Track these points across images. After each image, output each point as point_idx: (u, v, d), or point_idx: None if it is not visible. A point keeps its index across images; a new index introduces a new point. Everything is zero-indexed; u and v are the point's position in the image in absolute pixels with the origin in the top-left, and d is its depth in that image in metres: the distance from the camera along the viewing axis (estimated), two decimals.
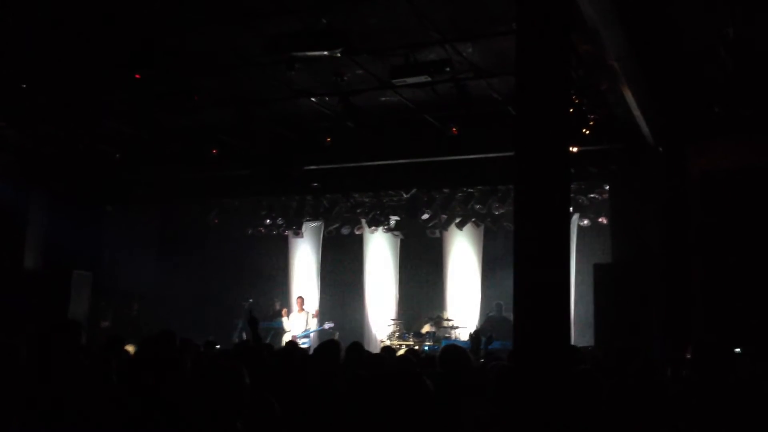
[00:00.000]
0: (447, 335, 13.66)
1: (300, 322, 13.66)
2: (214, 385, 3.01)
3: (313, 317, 13.87)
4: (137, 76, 8.65)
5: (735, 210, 9.93)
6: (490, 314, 13.97)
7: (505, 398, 4.24)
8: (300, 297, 14.21)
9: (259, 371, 4.80)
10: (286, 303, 15.35)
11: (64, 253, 13.31)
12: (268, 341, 12.88)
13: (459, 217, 14.50)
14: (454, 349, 4.72)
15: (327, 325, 13.99)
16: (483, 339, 8.04)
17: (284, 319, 13.93)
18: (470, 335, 8.73)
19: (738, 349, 7.03)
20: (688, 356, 4.09)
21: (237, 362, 3.50)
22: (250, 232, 16.64)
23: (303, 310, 13.80)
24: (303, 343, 12.67)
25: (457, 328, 13.79)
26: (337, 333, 14.33)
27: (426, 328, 14.10)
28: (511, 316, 5.94)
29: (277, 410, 3.63)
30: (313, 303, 15.90)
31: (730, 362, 4.01)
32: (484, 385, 4.42)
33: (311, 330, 13.67)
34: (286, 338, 13.24)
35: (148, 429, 3.48)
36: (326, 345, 5.28)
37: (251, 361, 5.59)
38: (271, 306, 15.72)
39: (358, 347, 6.02)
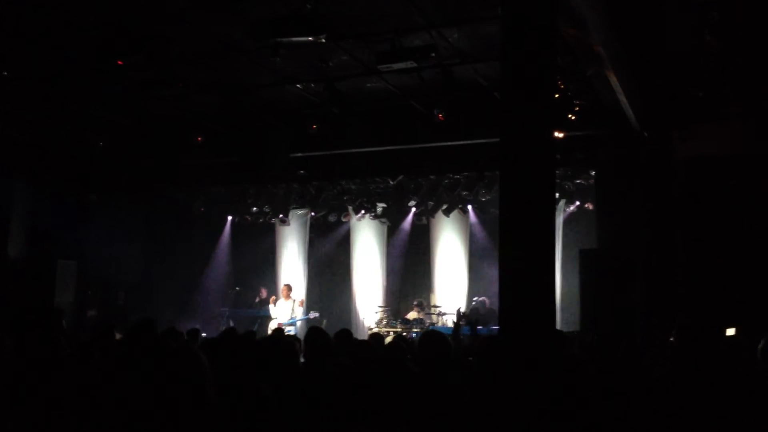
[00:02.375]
0: (434, 322, 13.70)
1: (286, 310, 13.65)
2: (172, 369, 3.02)
3: (299, 306, 13.84)
4: (120, 63, 8.56)
5: (719, 195, 10.01)
6: (475, 302, 14.02)
7: (490, 382, 4.26)
8: (287, 285, 14.18)
9: (247, 358, 4.80)
10: (273, 291, 15.32)
11: (48, 242, 13.21)
12: (255, 329, 12.89)
13: (445, 203, 14.50)
14: (433, 335, 4.73)
15: (312, 314, 13.99)
16: (463, 324, 7.97)
17: (271, 307, 13.91)
18: (455, 320, 8.71)
19: (732, 331, 7.08)
20: (672, 340, 4.12)
21: (192, 345, 3.51)
22: (236, 220, 16.59)
23: (290, 297, 13.78)
24: (288, 331, 12.66)
25: (444, 314, 13.82)
26: (325, 320, 14.34)
27: (413, 315, 14.14)
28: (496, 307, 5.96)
29: (264, 394, 3.63)
30: (300, 290, 15.90)
31: (713, 345, 4.05)
32: (464, 369, 4.44)
33: (297, 318, 13.66)
34: (272, 325, 13.23)
35: (135, 418, 3.47)
36: (314, 332, 5.26)
37: (238, 348, 5.59)
38: (258, 294, 15.69)
39: (346, 334, 6.03)
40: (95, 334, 5.70)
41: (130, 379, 3.61)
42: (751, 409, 3.84)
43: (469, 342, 7.86)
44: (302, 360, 4.85)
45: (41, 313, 3.62)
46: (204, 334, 10.49)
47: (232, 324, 13.67)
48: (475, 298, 14.23)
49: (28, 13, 8.20)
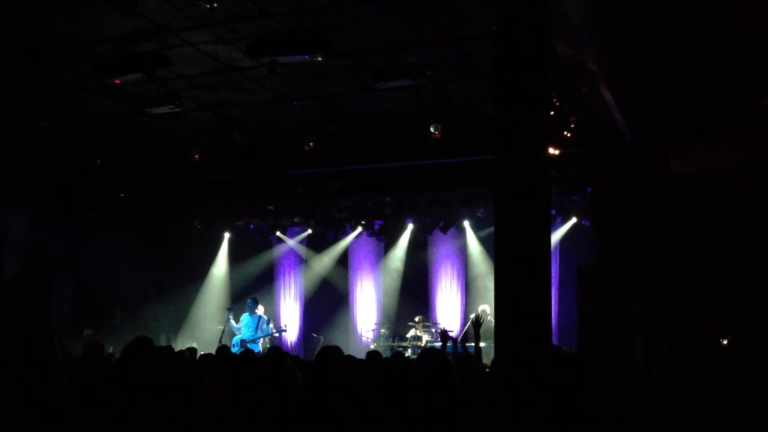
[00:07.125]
0: (432, 339, 13.64)
1: (251, 326, 12.94)
2: (175, 390, 3.02)
3: (266, 324, 13.11)
4: (117, 81, 8.60)
5: (715, 211, 10.03)
6: (473, 316, 13.94)
7: (486, 399, 4.24)
8: (254, 298, 13.49)
9: (246, 376, 4.78)
10: (270, 309, 15.23)
11: (45, 260, 13.17)
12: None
13: (443, 220, 14.52)
14: (431, 353, 4.66)
15: (281, 329, 13.52)
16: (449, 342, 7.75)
17: (232, 323, 12.86)
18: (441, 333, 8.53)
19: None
20: (667, 356, 4.13)
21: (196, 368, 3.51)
22: (233, 237, 16.57)
23: (255, 312, 13.10)
24: (251, 346, 12.07)
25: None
26: (322, 338, 14.29)
27: (411, 332, 14.10)
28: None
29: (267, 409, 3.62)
30: (296, 307, 15.88)
31: (708, 361, 4.05)
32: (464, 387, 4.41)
33: (259, 335, 12.61)
34: (234, 342, 12.54)
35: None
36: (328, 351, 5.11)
37: (235, 366, 5.57)
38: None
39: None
40: (85, 353, 5.68)
41: (129, 400, 3.58)
42: (747, 423, 3.83)
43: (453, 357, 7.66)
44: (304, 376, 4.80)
45: (31, 339, 3.57)
46: (202, 352, 10.41)
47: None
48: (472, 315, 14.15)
49: (27, 30, 8.24)
